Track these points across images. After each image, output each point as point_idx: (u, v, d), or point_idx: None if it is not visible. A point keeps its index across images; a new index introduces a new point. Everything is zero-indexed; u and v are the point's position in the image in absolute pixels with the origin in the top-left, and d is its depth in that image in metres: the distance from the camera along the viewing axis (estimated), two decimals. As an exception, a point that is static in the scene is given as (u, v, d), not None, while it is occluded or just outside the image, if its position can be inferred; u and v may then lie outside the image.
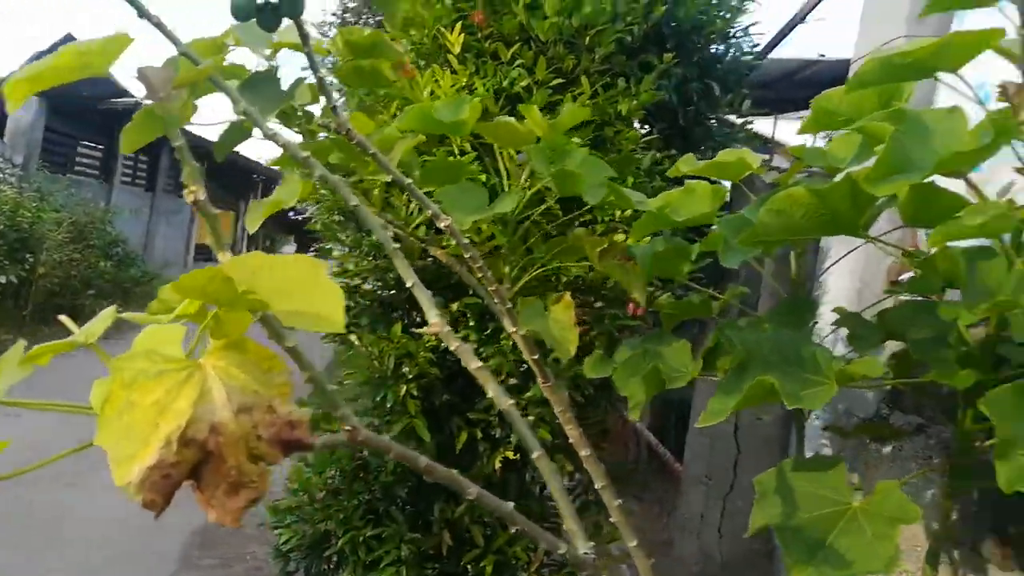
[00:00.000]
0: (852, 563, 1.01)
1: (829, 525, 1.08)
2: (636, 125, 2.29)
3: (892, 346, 1.38)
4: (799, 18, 2.76)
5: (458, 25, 2.00)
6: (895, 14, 2.02)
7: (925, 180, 0.94)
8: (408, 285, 0.79)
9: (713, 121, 2.83)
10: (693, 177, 1.41)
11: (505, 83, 1.97)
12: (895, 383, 1.32)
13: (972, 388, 1.11)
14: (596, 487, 1.21)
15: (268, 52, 1.12)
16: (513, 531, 0.78)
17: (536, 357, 1.24)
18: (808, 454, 2.22)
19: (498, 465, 1.83)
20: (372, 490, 1.89)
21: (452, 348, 0.80)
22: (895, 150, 0.92)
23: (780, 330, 1.15)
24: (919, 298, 1.31)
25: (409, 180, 1.14)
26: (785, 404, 1.00)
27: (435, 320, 0.76)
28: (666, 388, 1.31)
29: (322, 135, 1.46)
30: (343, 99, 2.38)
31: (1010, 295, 0.83)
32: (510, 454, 1.84)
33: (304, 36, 1.02)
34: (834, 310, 1.43)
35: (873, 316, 1.36)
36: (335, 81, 1.64)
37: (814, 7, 2.73)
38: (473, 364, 0.82)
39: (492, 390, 0.83)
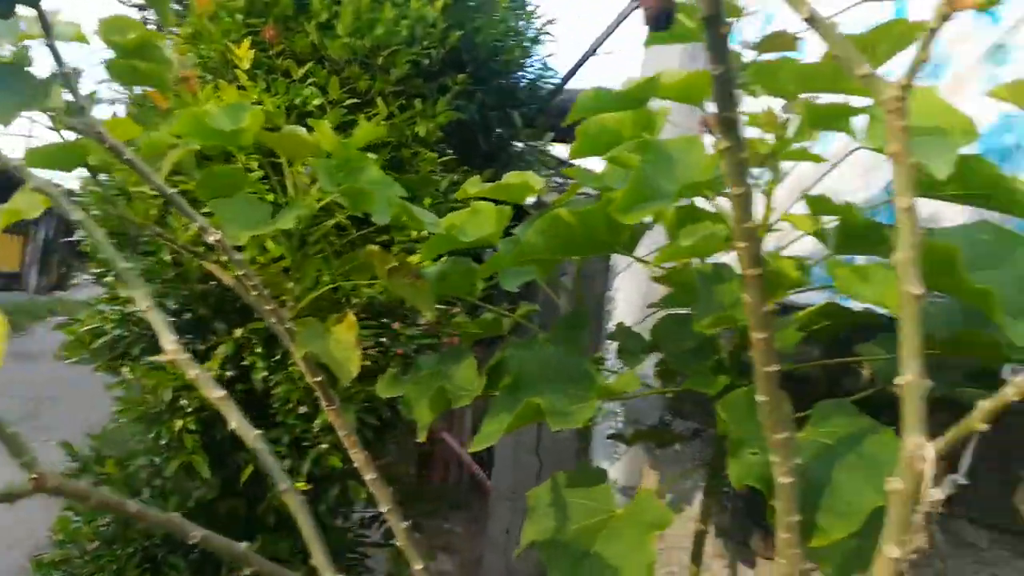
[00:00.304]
0: (616, 570, 1.06)
1: (593, 534, 1.12)
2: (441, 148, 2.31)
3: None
4: (591, 51, 2.95)
5: (247, 40, 1.93)
6: (671, 49, 2.18)
7: (677, 204, 1.02)
8: (143, 309, 0.73)
9: (520, 146, 2.93)
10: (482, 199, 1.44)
11: (297, 101, 1.91)
12: (655, 392, 1.41)
13: (723, 393, 1.20)
14: (383, 510, 1.19)
15: (13, 42, 1.01)
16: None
17: (319, 379, 1.20)
18: (604, 463, 2.33)
19: (291, 497, 1.74)
20: (151, 536, 1.74)
21: (189, 377, 0.75)
22: (641, 180, 0.98)
23: (553, 348, 1.20)
24: (682, 311, 1.42)
25: (173, 190, 1.06)
26: (550, 424, 1.04)
27: (171, 347, 0.71)
28: (451, 407, 1.32)
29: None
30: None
31: (729, 311, 0.91)
32: (301, 485, 1.77)
33: (46, 26, 0.93)
34: (616, 327, 1.52)
35: (647, 330, 1.45)
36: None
37: (603, 42, 2.92)
38: (214, 394, 0.78)
39: (235, 421, 0.79)
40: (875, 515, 1.03)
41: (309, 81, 1.95)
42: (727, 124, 0.59)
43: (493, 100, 2.56)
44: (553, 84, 3.06)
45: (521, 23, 2.75)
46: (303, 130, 1.24)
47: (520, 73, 2.85)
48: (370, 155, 1.39)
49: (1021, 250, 0.96)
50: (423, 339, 2.01)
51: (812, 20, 0.56)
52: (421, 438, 1.34)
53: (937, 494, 1.33)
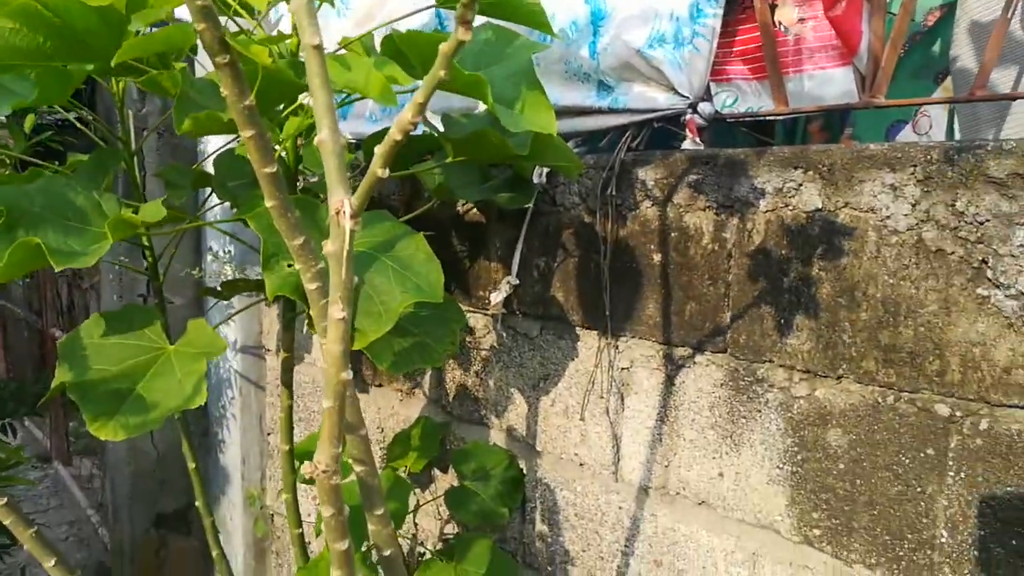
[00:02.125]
0: (157, 405, 0.99)
1: (140, 373, 1.04)
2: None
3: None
4: None
5: None
6: None
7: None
8: None
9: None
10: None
11: None
12: (206, 225, 1.32)
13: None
14: None
15: None
16: None
17: None
18: (222, 327, 2.20)
19: None
20: None
21: None
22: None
23: (60, 182, 1.03)
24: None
25: None
26: (52, 265, 0.90)
27: None
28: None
29: None
30: None
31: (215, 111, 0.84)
32: None
33: None
34: (160, 172, 1.37)
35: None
36: None
37: None
38: None
39: None
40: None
41: None
42: None
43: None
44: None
45: None
46: None
47: None
48: None
49: (516, 45, 1.02)
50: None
51: None
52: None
53: (497, 297, 1.45)
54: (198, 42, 1.30)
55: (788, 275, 1.03)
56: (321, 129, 0.55)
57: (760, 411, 1.09)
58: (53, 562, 1.22)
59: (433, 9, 1.37)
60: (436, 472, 1.71)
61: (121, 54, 0.80)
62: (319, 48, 0.53)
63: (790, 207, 1.01)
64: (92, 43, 0.94)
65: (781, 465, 1.07)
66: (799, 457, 1.05)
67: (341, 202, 0.55)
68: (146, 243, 1.39)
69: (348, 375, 0.61)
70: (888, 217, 0.93)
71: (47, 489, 3.74)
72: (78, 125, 1.59)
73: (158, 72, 0.90)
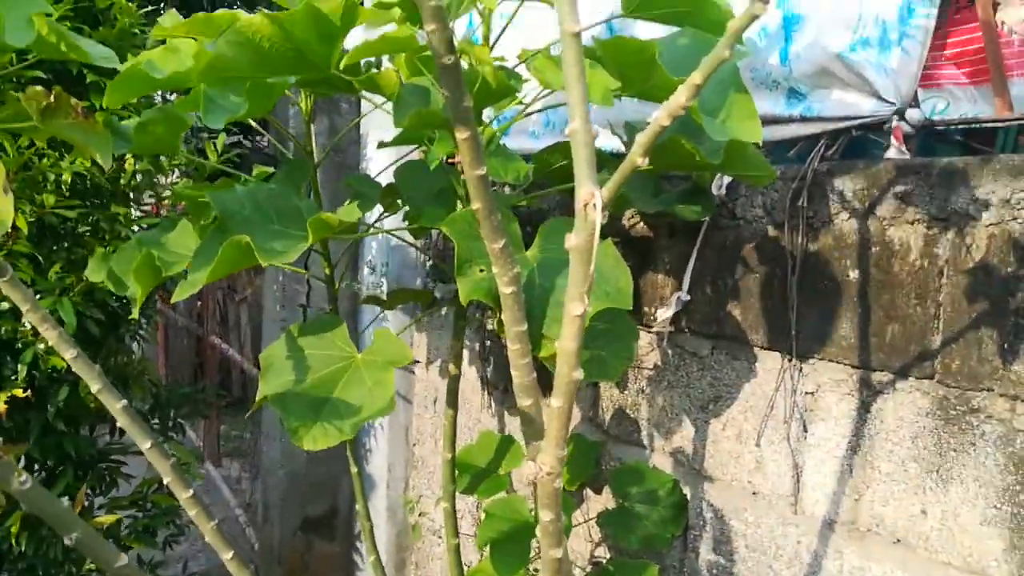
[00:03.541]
0: (352, 411, 1.02)
1: (335, 381, 1.07)
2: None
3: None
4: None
5: None
6: None
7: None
8: None
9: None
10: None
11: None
12: (385, 232, 1.36)
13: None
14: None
15: None
16: None
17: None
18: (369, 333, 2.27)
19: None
20: None
21: None
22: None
23: (264, 188, 1.09)
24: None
25: None
26: (260, 262, 0.94)
27: None
28: (164, 277, 1.18)
29: None
30: None
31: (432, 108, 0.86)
32: (17, 391, 1.55)
33: None
34: (351, 175, 1.43)
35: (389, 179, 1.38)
36: None
37: None
38: None
39: None
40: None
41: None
42: None
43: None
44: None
45: None
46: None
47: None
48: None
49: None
50: (149, 220, 1.80)
51: None
52: (134, 314, 1.19)
53: (665, 313, 1.42)
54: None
55: (1015, 295, 0.94)
56: (573, 119, 0.54)
57: (975, 444, 0.99)
58: (231, 555, 1.27)
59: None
60: (588, 493, 1.67)
61: (353, 56, 0.84)
62: (577, 37, 0.53)
63: (1019, 220, 0.92)
64: (310, 55, 0.99)
65: (999, 505, 0.97)
66: (1022, 497, 0.95)
67: (592, 193, 0.54)
68: (325, 253, 1.46)
69: (580, 375, 0.60)
70: None
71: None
72: (270, 138, 1.69)
73: (376, 72, 0.93)
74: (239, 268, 1.00)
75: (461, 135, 0.77)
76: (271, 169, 1.59)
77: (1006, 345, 0.95)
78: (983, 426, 0.98)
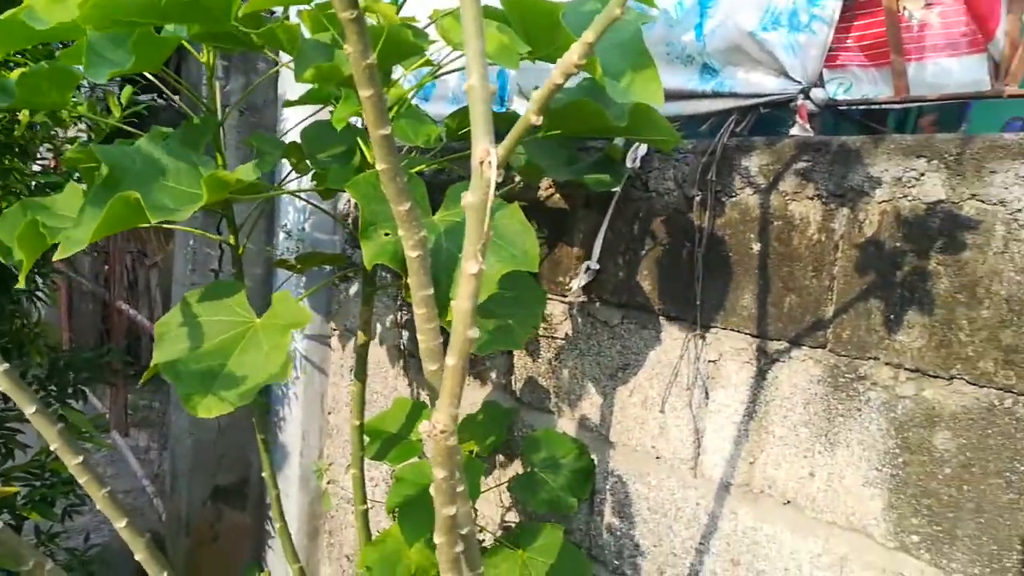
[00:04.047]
0: (246, 379, 0.99)
1: (232, 347, 1.04)
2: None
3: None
4: None
5: None
6: None
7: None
8: None
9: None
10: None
11: None
12: (288, 193, 1.32)
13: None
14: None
15: None
16: None
17: None
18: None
19: None
20: None
21: None
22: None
23: (157, 144, 1.04)
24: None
25: None
26: (149, 219, 0.90)
27: None
28: (51, 244, 1.12)
29: None
30: None
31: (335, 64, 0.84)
32: None
33: None
34: (249, 139, 1.38)
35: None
36: None
37: None
38: None
39: None
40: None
41: None
42: None
43: None
44: None
45: None
46: None
47: None
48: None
49: (626, 17, 0.99)
50: (47, 177, 1.70)
51: None
52: (20, 282, 1.12)
53: (577, 283, 1.43)
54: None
55: (901, 269, 0.99)
56: (471, 75, 0.53)
57: (860, 410, 1.04)
58: (124, 523, 1.23)
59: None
60: (500, 459, 1.69)
61: (251, 5, 0.80)
62: (477, -9, 0.52)
63: (909, 198, 0.97)
64: (207, 4, 0.95)
65: (880, 467, 1.03)
66: (901, 460, 1.01)
67: (487, 151, 0.53)
68: (230, 215, 1.41)
69: (475, 333, 0.60)
70: (1020, 210, 0.88)
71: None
72: (167, 94, 1.61)
73: (276, 24, 0.90)
74: (128, 226, 0.96)
75: (364, 93, 0.75)
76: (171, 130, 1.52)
77: (891, 316, 1.00)
78: (868, 393, 1.03)
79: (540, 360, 1.55)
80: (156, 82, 1.38)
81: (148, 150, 1.01)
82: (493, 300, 1.23)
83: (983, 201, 0.91)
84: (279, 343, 1.03)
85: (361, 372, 1.39)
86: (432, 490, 0.67)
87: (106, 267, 4.12)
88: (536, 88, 1.18)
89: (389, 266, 0.98)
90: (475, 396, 1.74)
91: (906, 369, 0.99)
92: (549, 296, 1.51)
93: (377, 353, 2.07)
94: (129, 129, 1.46)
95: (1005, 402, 0.91)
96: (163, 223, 0.94)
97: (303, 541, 2.39)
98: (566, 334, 1.49)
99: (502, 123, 1.34)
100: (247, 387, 1.00)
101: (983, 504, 0.94)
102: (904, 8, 1.00)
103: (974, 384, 0.94)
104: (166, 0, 0.93)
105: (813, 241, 1.07)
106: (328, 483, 2.24)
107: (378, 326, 2.07)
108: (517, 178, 1.46)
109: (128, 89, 1.58)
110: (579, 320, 1.45)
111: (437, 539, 0.70)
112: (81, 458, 1.11)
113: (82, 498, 2.14)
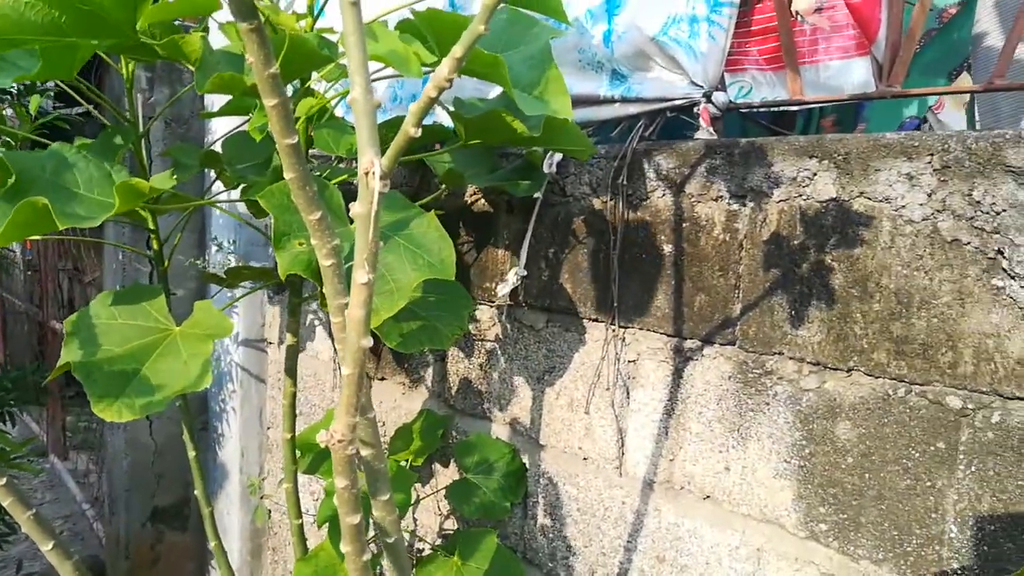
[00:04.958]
0: (162, 387, 0.98)
1: (147, 354, 1.03)
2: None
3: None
4: None
5: None
6: None
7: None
8: None
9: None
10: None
11: None
12: (207, 203, 1.32)
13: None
14: None
15: None
16: None
17: None
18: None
19: None
20: None
21: None
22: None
23: (70, 151, 1.03)
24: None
25: None
26: (58, 225, 0.89)
27: None
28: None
29: None
30: None
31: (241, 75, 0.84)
32: None
33: None
34: (167, 151, 1.37)
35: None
36: None
37: None
38: None
39: None
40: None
41: None
42: None
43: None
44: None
45: None
46: None
47: None
48: None
49: (534, 30, 1.02)
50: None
51: None
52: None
53: (504, 288, 1.45)
54: (211, 22, 1.30)
55: (800, 266, 1.02)
56: (354, 87, 0.54)
57: (768, 404, 1.08)
58: (51, 545, 1.20)
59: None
60: (437, 467, 1.70)
61: (147, 17, 0.80)
62: (356, 4, 0.53)
63: (804, 196, 1.01)
64: (108, 18, 0.94)
65: (788, 459, 1.06)
66: (807, 451, 1.04)
67: (371, 162, 0.54)
68: (152, 227, 1.39)
69: (369, 342, 0.61)
70: (903, 207, 0.92)
71: (43, 483, 3.72)
72: (85, 105, 1.58)
73: (179, 36, 0.90)
74: (35, 232, 0.94)
75: (269, 102, 0.75)
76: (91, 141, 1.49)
77: (793, 312, 1.04)
78: (775, 387, 1.07)
79: (472, 366, 1.56)
80: (75, 95, 1.36)
81: (60, 159, 1.00)
82: (418, 304, 1.24)
83: (870, 198, 0.95)
84: (198, 351, 1.02)
85: (291, 384, 1.38)
86: (336, 500, 0.68)
87: (38, 286, 4.00)
88: (457, 99, 1.19)
89: (303, 276, 0.98)
90: (411, 405, 1.74)
91: (808, 363, 1.03)
92: (479, 302, 1.53)
93: (314, 365, 2.06)
94: (45, 141, 1.43)
95: (899, 391, 0.95)
96: (84, 233, 0.93)
97: (246, 559, 2.36)
98: (496, 338, 1.50)
99: (429, 135, 1.35)
100: (162, 395, 0.99)
101: (883, 491, 0.97)
102: (796, 12, 1.04)
103: (870, 375, 0.98)
104: (66, 17, 0.92)
105: (719, 241, 1.10)
106: (263, 497, 2.21)
107: (315, 337, 2.06)
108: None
109: (35, 99, 1.55)
110: (507, 325, 1.46)
111: (343, 548, 0.71)
112: (3, 480, 1.09)
113: (11, 526, 2.08)
